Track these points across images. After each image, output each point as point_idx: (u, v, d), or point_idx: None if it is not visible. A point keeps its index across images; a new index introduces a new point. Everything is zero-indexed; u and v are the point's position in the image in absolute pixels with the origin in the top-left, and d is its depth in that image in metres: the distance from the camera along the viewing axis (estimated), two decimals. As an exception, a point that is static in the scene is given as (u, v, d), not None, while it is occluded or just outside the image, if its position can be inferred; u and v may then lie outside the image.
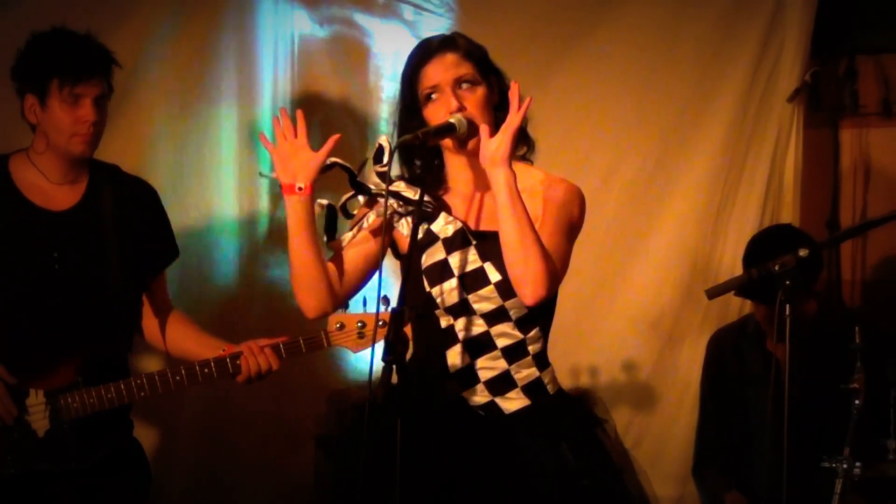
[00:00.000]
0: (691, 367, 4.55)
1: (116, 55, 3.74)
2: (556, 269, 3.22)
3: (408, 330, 3.09)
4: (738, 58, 4.60)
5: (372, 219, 3.34)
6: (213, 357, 3.69)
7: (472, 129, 3.19)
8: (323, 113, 4.65)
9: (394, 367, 2.89)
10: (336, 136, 3.25)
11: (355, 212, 3.37)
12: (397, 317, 2.92)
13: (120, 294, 3.74)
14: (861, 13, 4.78)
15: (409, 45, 3.55)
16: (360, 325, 3.58)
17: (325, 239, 3.39)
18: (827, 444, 3.73)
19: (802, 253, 3.34)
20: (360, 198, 3.34)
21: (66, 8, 4.25)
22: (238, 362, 3.66)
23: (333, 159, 3.40)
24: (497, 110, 3.27)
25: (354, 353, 3.57)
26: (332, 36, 4.74)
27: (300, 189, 3.21)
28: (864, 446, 3.64)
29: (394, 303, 3.10)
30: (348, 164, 3.33)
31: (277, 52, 4.84)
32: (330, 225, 3.41)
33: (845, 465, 3.58)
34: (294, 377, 4.46)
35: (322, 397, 3.86)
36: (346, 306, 3.47)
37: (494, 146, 3.10)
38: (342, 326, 3.54)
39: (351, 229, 3.37)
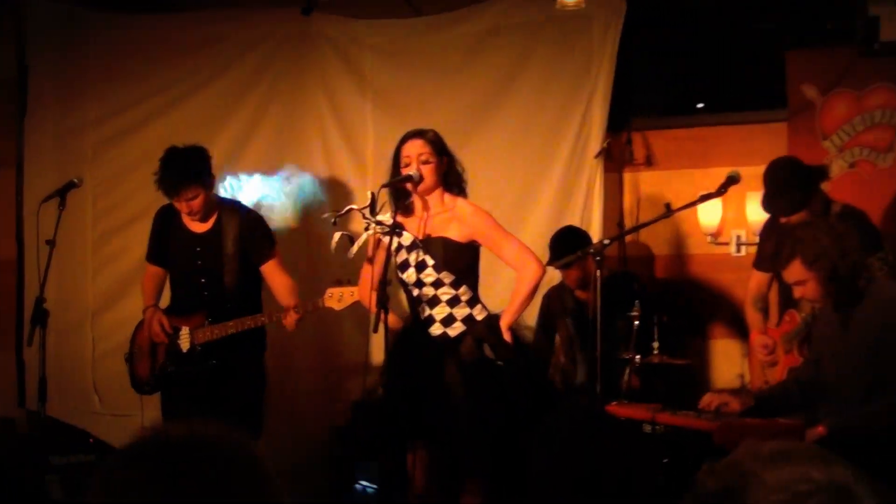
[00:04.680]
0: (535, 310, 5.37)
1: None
2: (527, 250, 4.05)
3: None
4: (566, 133, 5.61)
5: (364, 238, 4.05)
6: (275, 311, 4.73)
7: (420, 180, 4.00)
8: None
9: (382, 311, 3.71)
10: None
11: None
12: (382, 286, 3.77)
13: (232, 276, 4.85)
14: (634, 107, 5.90)
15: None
16: (340, 295, 4.48)
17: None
18: (621, 346, 4.76)
19: (606, 241, 4.07)
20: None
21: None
22: (279, 315, 4.68)
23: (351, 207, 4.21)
24: (445, 176, 4.08)
25: (337, 309, 4.54)
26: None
27: None
28: (640, 347, 4.74)
29: None
30: (361, 208, 4.11)
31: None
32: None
33: (630, 356, 4.68)
34: (338, 334, 5.92)
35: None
36: (341, 283, 4.45)
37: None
38: (331, 296, 4.44)
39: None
